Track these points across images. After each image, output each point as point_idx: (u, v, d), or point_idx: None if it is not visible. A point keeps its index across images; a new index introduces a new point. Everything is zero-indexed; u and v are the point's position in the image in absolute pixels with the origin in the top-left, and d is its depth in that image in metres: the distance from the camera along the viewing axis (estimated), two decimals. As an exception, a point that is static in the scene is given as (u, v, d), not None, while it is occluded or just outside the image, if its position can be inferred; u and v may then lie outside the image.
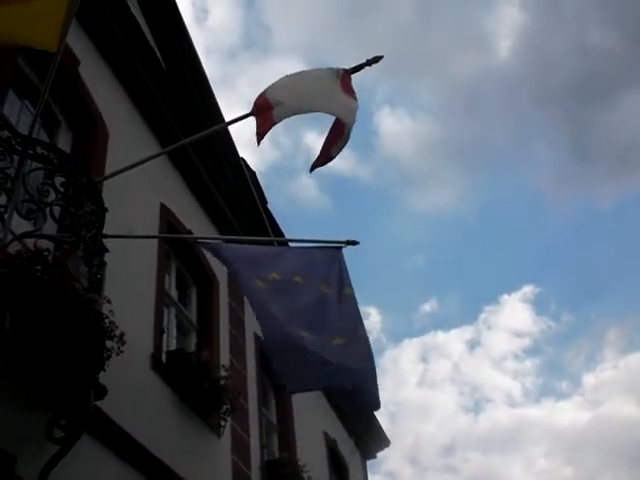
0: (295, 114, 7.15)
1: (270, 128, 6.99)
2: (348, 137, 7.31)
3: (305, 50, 62.47)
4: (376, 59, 7.43)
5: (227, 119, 9.01)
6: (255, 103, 7.15)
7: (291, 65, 58.59)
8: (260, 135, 6.94)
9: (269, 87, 7.26)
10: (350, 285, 7.56)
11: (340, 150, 7.42)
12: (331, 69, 7.48)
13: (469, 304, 64.22)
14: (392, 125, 60.77)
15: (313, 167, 7.54)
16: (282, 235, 13.66)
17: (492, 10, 56.75)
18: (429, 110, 60.65)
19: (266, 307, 7.06)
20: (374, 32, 52.76)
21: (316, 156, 7.45)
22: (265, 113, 7.02)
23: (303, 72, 7.60)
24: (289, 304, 7.13)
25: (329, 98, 7.28)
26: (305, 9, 57.03)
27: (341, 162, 56.23)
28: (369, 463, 20.35)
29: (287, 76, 7.42)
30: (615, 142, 53.81)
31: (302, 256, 7.76)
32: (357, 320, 7.47)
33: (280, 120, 7.02)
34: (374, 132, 58.62)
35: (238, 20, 62.82)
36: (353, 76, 7.50)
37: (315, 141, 53.72)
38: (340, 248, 7.66)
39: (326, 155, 7.44)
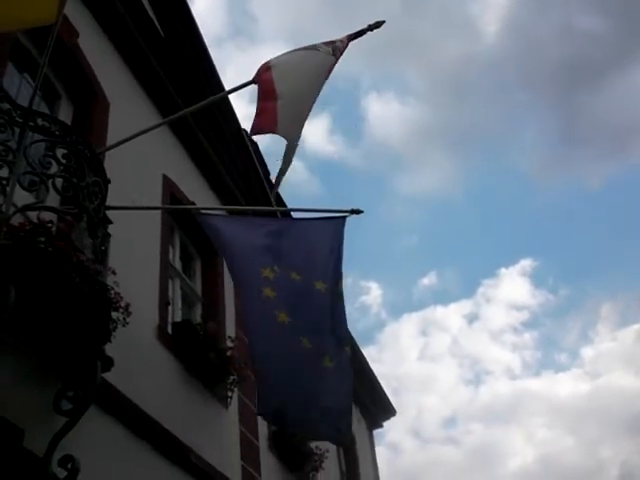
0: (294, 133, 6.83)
1: (270, 131, 6.63)
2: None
3: (291, 38, 62.56)
4: (378, 24, 7.34)
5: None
6: (259, 75, 6.96)
7: (277, 53, 58.40)
8: (257, 130, 6.63)
9: (275, 61, 7.04)
10: (341, 277, 7.44)
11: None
12: (330, 48, 7.28)
13: (467, 278, 64.53)
14: (380, 110, 60.96)
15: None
16: (285, 205, 13.60)
17: (478, -6, 56.63)
18: (417, 95, 61.06)
19: (273, 314, 6.90)
20: (360, 18, 52.54)
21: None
22: (268, 100, 6.69)
23: (306, 58, 7.31)
24: (297, 306, 7.03)
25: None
26: (291, -4, 56.87)
27: (330, 146, 56.43)
28: (375, 433, 20.50)
29: (291, 56, 7.21)
30: (603, 124, 54.52)
31: (302, 237, 7.62)
32: (344, 330, 7.35)
33: (280, 134, 6.63)
34: (362, 117, 58.78)
35: (223, 8, 62.85)
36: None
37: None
38: (344, 218, 7.58)
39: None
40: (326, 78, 7.19)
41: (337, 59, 7.26)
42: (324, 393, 6.95)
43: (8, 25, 5.91)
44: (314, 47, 7.27)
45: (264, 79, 6.86)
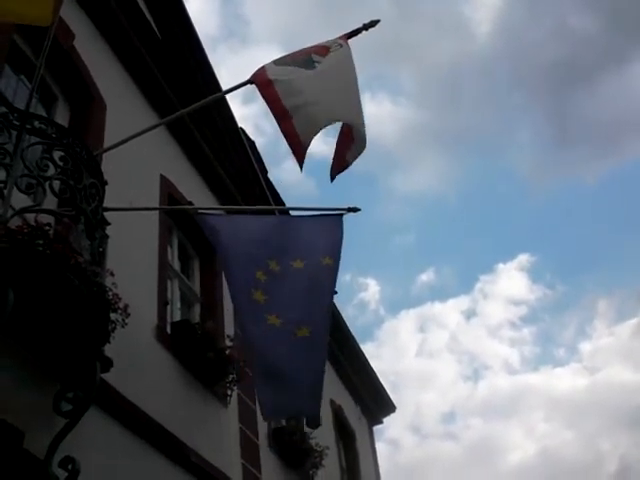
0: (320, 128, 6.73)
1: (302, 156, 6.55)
2: (363, 139, 7.18)
3: (283, 40, 62.65)
4: (372, 23, 7.33)
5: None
6: (257, 81, 6.81)
7: (270, 55, 58.62)
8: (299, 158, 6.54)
9: (276, 76, 6.79)
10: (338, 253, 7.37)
11: (357, 155, 7.25)
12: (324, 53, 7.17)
13: (465, 274, 64.69)
14: (373, 110, 61.08)
15: (333, 176, 7.21)
16: (282, 204, 13.62)
17: (470, -5, 56.73)
18: (409, 95, 61.32)
19: (263, 317, 6.88)
20: (352, 19, 52.67)
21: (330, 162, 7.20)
22: (284, 118, 6.53)
23: (308, 74, 7.02)
24: (288, 302, 7.00)
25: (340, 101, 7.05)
26: (283, -1, 56.89)
27: (324, 146, 56.68)
28: (375, 429, 20.54)
29: (292, 75, 6.91)
30: (596, 122, 54.76)
31: (301, 231, 7.57)
32: (328, 299, 7.28)
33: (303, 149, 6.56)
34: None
35: (216, 11, 62.92)
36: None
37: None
38: (341, 216, 7.58)
39: (341, 160, 7.23)
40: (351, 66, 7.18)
41: (343, 46, 7.23)
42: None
43: (2, 15, 5.87)
44: (311, 63, 7.10)
45: (271, 96, 6.68)
